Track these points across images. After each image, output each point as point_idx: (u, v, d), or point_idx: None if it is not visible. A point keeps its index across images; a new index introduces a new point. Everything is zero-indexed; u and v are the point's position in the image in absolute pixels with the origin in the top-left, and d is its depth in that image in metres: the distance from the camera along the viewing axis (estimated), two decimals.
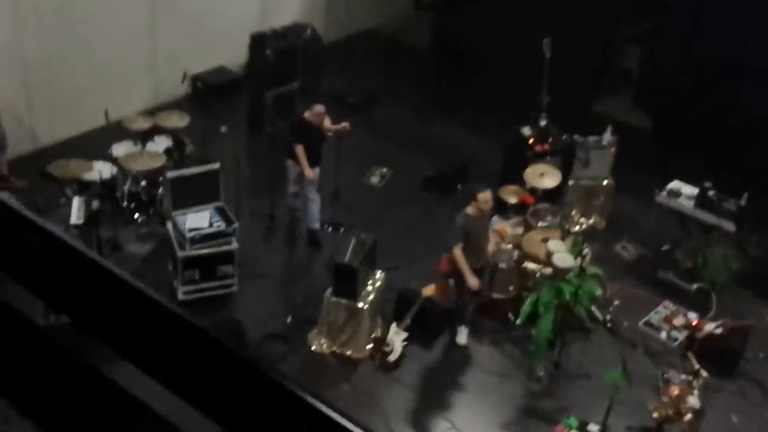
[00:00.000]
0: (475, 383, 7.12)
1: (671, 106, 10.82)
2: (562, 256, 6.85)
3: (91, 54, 9.73)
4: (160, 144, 8.76)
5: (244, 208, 8.45)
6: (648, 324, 7.95)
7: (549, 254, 7.01)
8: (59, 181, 7.93)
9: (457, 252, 6.92)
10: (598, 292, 7.06)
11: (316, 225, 8.52)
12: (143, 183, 8.07)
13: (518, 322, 7.02)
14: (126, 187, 8.11)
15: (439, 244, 8.80)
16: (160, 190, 8.15)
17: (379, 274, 7.38)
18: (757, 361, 7.44)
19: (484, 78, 12.28)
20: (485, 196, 6.91)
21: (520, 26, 12.41)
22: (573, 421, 6.64)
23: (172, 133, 8.89)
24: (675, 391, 6.90)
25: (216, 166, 7.56)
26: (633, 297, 8.25)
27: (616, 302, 7.79)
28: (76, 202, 7.23)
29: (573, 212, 9.02)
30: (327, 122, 8.50)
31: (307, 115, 8.34)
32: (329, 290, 7.10)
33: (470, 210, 7.00)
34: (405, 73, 12.75)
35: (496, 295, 7.81)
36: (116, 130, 9.86)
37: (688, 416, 6.30)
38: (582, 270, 6.81)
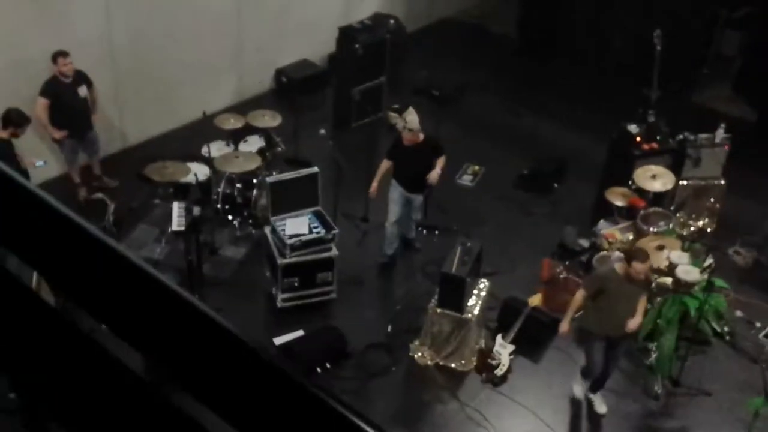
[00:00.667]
0: (585, 400, 6.74)
1: None
2: (687, 268, 6.40)
3: (178, 49, 9.60)
4: (253, 144, 8.59)
5: (337, 209, 8.21)
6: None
7: (671, 265, 6.56)
8: (155, 184, 7.82)
9: (578, 296, 6.30)
10: (724, 307, 6.58)
11: (388, 252, 7.96)
12: (238, 185, 7.89)
13: (639, 336, 6.59)
14: (220, 189, 7.95)
15: (537, 246, 8.47)
16: (254, 191, 7.96)
17: (483, 282, 7.04)
18: None
19: (576, 68, 11.78)
20: (642, 267, 5.80)
21: (612, 13, 11.86)
22: None
23: (264, 132, 8.69)
24: None
25: (315, 169, 7.32)
26: (750, 306, 7.73)
27: (738, 313, 7.29)
28: (176, 208, 7.10)
29: (681, 214, 8.49)
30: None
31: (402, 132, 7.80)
32: (434, 301, 6.81)
33: (619, 267, 5.99)
34: (491, 63, 12.29)
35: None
36: (206, 128, 9.77)
37: None
38: (710, 284, 6.34)
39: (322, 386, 1.08)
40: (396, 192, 7.73)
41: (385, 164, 7.78)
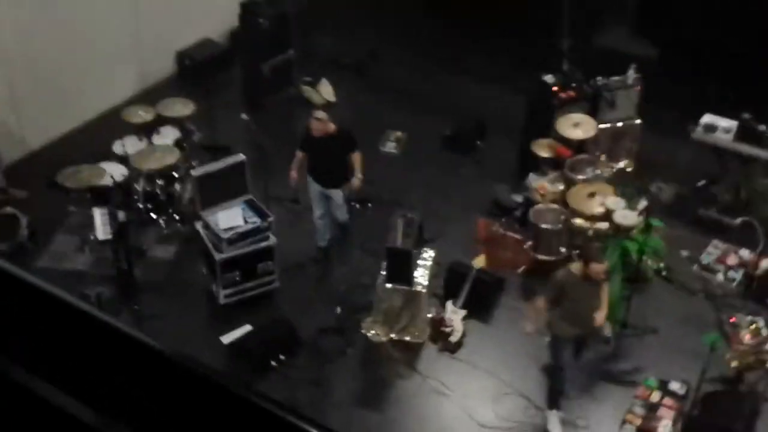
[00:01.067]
0: (541, 352, 6.83)
1: (677, 31, 10.36)
2: (624, 213, 6.53)
3: (70, 41, 8.98)
4: (167, 136, 8.16)
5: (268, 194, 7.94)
6: (703, 267, 7.72)
7: (608, 211, 6.68)
8: (69, 191, 7.34)
9: (539, 303, 6.27)
10: (661, 245, 6.77)
11: (321, 244, 7.70)
12: (160, 182, 7.50)
13: None
14: (141, 188, 7.54)
15: (470, 206, 8.48)
16: (177, 186, 7.60)
17: (427, 251, 6.99)
18: None
19: (486, 24, 11.70)
20: (599, 268, 5.71)
21: None
22: (653, 382, 6.44)
23: (177, 122, 8.27)
24: (746, 336, 6.75)
25: (241, 157, 7.02)
26: (679, 240, 8.00)
27: (684, 253, 7.52)
28: (98, 215, 6.69)
29: (602, 158, 8.66)
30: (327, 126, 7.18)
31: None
32: (381, 277, 6.71)
33: (575, 268, 5.84)
34: (398, 24, 12.10)
35: (542, 257, 7.49)
36: (113, 124, 9.23)
37: None
38: (648, 225, 6.49)
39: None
40: (313, 188, 7.42)
41: (299, 155, 7.39)
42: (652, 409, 6.26)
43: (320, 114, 7.22)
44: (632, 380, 6.57)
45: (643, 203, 6.93)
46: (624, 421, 6.19)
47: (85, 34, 9.11)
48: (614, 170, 8.60)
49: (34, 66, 8.64)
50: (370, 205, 8.49)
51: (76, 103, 9.35)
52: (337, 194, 7.39)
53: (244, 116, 7.56)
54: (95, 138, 9.18)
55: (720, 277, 7.63)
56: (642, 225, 6.54)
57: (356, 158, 7.28)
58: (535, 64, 9.32)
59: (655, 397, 6.34)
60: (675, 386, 6.41)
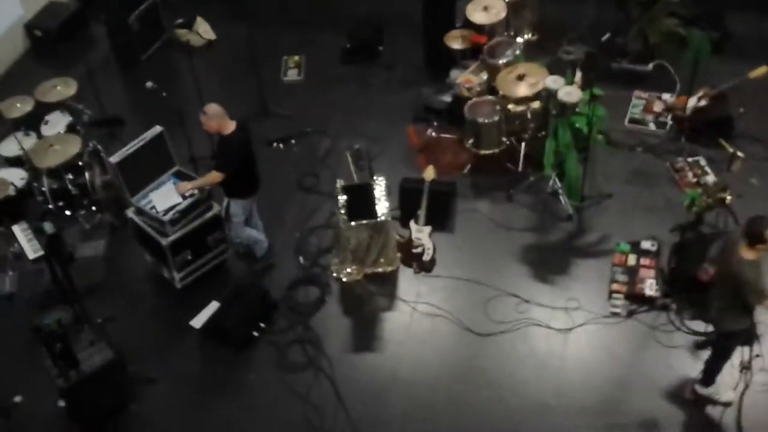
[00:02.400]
0: (513, 246, 6.83)
1: None
2: (567, 90, 6.41)
3: None
4: (57, 123, 7.31)
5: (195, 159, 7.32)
6: (633, 121, 7.83)
7: (550, 93, 6.56)
8: None
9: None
10: (604, 113, 6.74)
11: (264, 246, 6.72)
12: (69, 176, 6.74)
13: (546, 172, 6.65)
14: (46, 188, 6.76)
15: (391, 114, 8.19)
16: (87, 174, 6.86)
17: (377, 178, 6.68)
18: (743, 117, 7.49)
19: None
20: None
21: None
22: (625, 247, 6.56)
23: (63, 105, 7.40)
24: (689, 176, 6.93)
25: (159, 129, 6.35)
26: (602, 98, 8.03)
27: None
28: (19, 233, 5.93)
29: (510, 33, 8.48)
30: (225, 123, 6.01)
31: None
32: (341, 216, 6.39)
33: (750, 254, 4.85)
34: None
35: (484, 152, 7.35)
36: None
37: (729, 198, 6.27)
38: (593, 96, 6.42)
39: None
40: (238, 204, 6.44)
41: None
42: (632, 272, 6.39)
43: (213, 109, 6.01)
44: (605, 249, 6.67)
45: (578, 75, 6.83)
46: (611, 292, 6.31)
47: None
48: (522, 41, 8.45)
49: None
50: (293, 141, 8.02)
51: None
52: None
53: (149, 84, 6.79)
54: None
55: (652, 126, 7.76)
56: (586, 97, 6.45)
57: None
58: None
59: (632, 260, 6.48)
60: (646, 245, 6.55)
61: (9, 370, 6.10)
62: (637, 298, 6.26)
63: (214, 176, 6.05)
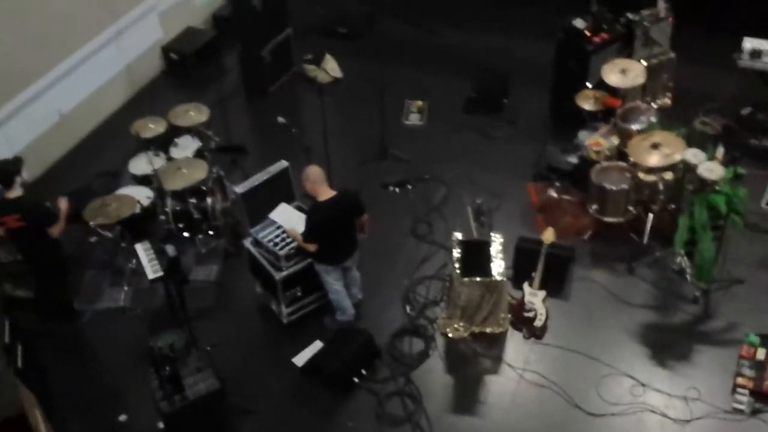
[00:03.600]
0: (631, 323, 6.47)
1: None
2: (709, 166, 6.07)
3: (43, 55, 8.15)
4: (186, 146, 7.50)
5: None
6: None
7: (689, 166, 6.23)
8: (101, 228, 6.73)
9: None
10: (746, 194, 6.34)
11: (347, 315, 6.50)
12: (192, 200, 6.88)
13: (676, 249, 6.30)
14: (169, 209, 6.92)
15: (513, 172, 8.00)
16: (209, 200, 6.98)
17: (494, 235, 6.49)
18: None
19: None
20: None
21: None
22: (755, 339, 6.10)
23: (193, 130, 7.60)
24: None
25: (285, 164, 6.40)
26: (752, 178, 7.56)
27: None
28: (141, 252, 6.05)
29: (647, 99, 8.20)
30: (321, 190, 5.83)
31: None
32: (455, 270, 6.23)
33: None
34: None
35: (609, 219, 7.06)
36: (114, 139, 8.55)
37: None
38: (737, 175, 6.05)
39: None
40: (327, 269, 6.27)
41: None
42: (760, 367, 5.93)
43: (313, 172, 5.83)
44: (732, 339, 6.22)
45: (720, 150, 6.47)
46: (735, 386, 5.87)
47: (57, 45, 8.27)
48: (656, 108, 8.15)
49: (5, 93, 7.83)
50: (409, 186, 7.96)
51: (69, 122, 8.59)
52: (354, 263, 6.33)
53: (280, 119, 6.90)
54: (95, 157, 8.51)
55: None
56: (728, 175, 6.09)
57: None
58: (555, 8, 8.79)
59: (761, 354, 6.01)
60: None
61: (116, 384, 6.20)
62: (763, 397, 5.79)
63: (302, 242, 5.93)
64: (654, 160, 6.73)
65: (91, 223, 6.48)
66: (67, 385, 6.24)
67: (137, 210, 6.65)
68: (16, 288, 6.76)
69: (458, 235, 6.39)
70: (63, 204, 6.25)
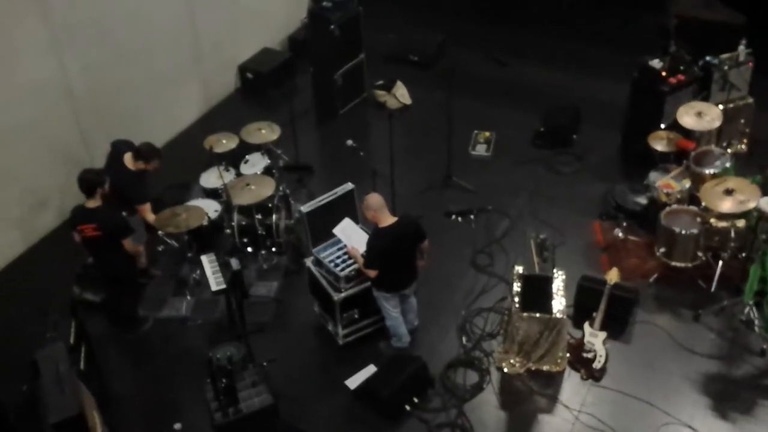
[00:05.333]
0: (693, 372, 6.28)
1: None
2: None
3: (133, 70, 8.49)
4: (256, 163, 7.66)
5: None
6: None
7: (763, 215, 6.06)
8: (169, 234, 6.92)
9: None
10: None
11: (403, 342, 6.50)
12: (258, 216, 7.00)
13: (746, 299, 6.11)
14: (235, 223, 7.05)
15: (579, 208, 7.91)
16: (274, 216, 7.09)
17: (557, 271, 6.40)
18: None
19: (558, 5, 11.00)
20: None
21: None
22: None
23: (263, 147, 7.76)
24: None
25: (351, 186, 6.48)
26: None
27: None
28: (206, 263, 6.19)
29: (723, 144, 8.02)
30: (383, 216, 5.90)
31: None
32: (513, 304, 6.16)
33: None
34: (462, 11, 11.42)
35: (676, 264, 6.89)
36: (185, 153, 8.76)
37: None
38: None
39: None
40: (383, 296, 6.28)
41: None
42: None
43: (373, 200, 5.86)
44: None
45: None
46: None
47: (145, 62, 8.60)
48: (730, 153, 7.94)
49: (98, 103, 8.17)
50: (472, 216, 7.93)
51: (146, 133, 8.84)
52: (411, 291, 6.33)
53: (350, 142, 7.00)
54: (167, 168, 8.72)
55: None
56: None
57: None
58: (633, 46, 8.70)
59: None
60: None
61: (172, 392, 6.31)
62: None
63: (362, 266, 5.98)
64: (727, 206, 6.56)
65: (160, 232, 6.64)
66: (125, 389, 6.38)
67: (205, 222, 6.79)
68: (84, 291, 6.98)
69: (520, 269, 6.32)
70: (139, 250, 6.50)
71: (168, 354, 6.66)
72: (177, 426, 5.89)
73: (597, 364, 6.25)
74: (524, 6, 11.22)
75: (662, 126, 7.83)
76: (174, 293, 7.16)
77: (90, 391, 5.64)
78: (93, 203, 6.19)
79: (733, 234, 6.60)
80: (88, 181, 6.18)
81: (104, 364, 6.49)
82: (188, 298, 6.99)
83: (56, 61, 7.62)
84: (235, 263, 5.81)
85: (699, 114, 7.29)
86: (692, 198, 7.11)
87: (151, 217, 6.69)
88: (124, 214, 6.54)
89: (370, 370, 6.35)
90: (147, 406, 6.27)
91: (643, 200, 7.36)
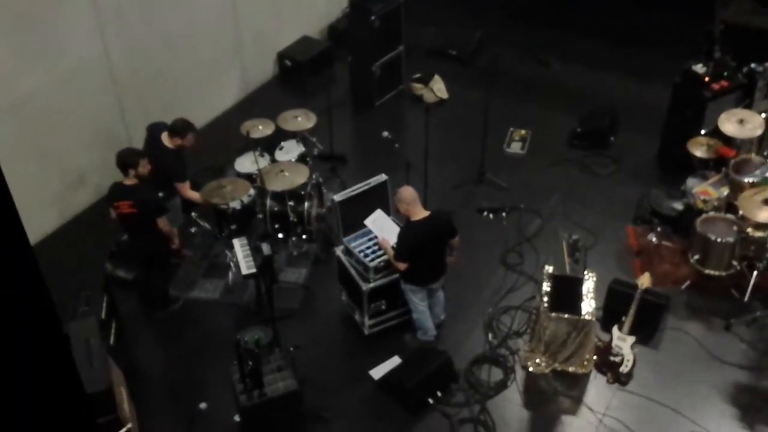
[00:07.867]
0: (722, 382, 6.19)
1: None
2: None
3: (175, 55, 8.61)
4: (291, 150, 7.69)
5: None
6: None
7: None
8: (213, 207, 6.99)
9: None
10: None
11: (429, 336, 6.47)
12: (290, 203, 7.04)
13: None
14: (267, 208, 7.10)
15: (613, 212, 7.83)
16: (306, 204, 7.13)
17: (588, 273, 6.35)
18: None
19: (600, 5, 10.89)
20: None
21: None
22: None
23: (299, 135, 7.79)
24: None
25: (384, 177, 6.49)
26: None
27: None
28: (238, 247, 6.25)
29: (764, 153, 7.85)
30: (415, 210, 5.90)
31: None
32: (542, 304, 6.13)
33: None
34: (505, 7, 11.35)
35: (709, 272, 6.79)
36: (219, 135, 8.84)
37: None
38: None
39: None
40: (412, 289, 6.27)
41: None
42: None
43: (407, 193, 5.84)
44: None
45: None
46: None
47: (188, 47, 8.71)
48: None
49: (141, 85, 8.28)
50: (504, 214, 7.89)
51: (182, 116, 8.94)
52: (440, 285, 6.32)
53: (385, 134, 7.00)
54: (204, 151, 8.80)
55: None
56: None
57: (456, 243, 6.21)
58: (677, 52, 8.58)
59: None
60: None
61: (199, 372, 6.39)
62: None
63: (392, 258, 5.98)
64: (764, 216, 6.45)
65: (194, 213, 6.70)
66: (153, 367, 6.47)
67: (237, 206, 6.85)
68: (117, 268, 7.08)
69: (550, 269, 6.28)
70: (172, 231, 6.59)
71: (196, 335, 6.74)
72: (202, 405, 5.96)
73: (624, 369, 6.19)
74: (566, 7, 11.11)
75: (702, 132, 7.71)
76: (205, 275, 7.23)
77: (119, 366, 5.73)
78: (130, 181, 6.28)
79: None
80: (126, 158, 6.26)
81: (133, 341, 6.59)
82: (219, 280, 7.05)
83: (101, 43, 7.73)
84: (266, 248, 5.85)
85: (741, 121, 7.16)
86: (729, 206, 7.00)
87: (191, 194, 6.79)
88: (160, 194, 6.62)
89: (395, 361, 6.36)
90: (174, 384, 6.35)
91: (678, 206, 7.26)
